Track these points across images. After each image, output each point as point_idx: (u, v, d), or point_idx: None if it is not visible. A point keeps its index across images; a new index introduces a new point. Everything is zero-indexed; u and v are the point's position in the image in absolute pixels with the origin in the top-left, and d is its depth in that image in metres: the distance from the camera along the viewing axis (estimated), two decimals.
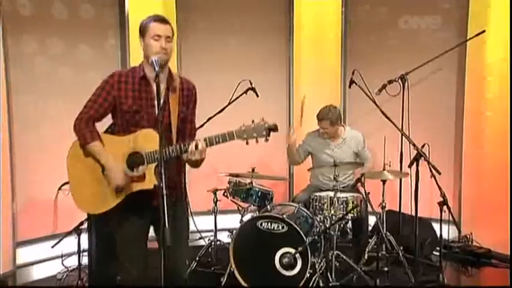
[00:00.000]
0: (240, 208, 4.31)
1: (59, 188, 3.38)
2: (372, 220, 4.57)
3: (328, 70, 5.67)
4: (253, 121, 2.46)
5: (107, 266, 3.53)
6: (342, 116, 4.75)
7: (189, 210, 4.22)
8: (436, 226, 4.28)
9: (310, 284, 3.61)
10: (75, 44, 4.80)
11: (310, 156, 4.72)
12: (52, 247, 3.76)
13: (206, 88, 5.29)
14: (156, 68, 2.39)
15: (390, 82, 4.40)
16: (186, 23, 5.44)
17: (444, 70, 5.08)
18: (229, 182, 4.27)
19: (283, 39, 5.72)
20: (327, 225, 3.84)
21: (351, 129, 4.73)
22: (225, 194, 4.25)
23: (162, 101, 2.56)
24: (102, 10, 5.00)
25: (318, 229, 3.87)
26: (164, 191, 2.16)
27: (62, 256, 4.10)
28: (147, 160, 2.50)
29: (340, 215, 3.88)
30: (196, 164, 2.59)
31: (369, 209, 4.07)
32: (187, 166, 2.79)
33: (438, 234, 4.21)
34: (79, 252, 3.73)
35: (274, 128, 2.45)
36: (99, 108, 2.57)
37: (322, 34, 5.69)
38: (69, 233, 3.70)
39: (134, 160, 2.53)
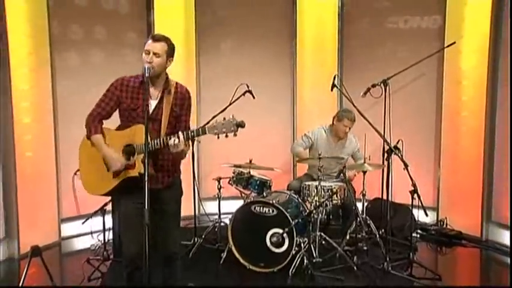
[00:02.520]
0: (242, 195, 4.27)
1: (75, 173, 3.43)
2: (360, 206, 4.45)
3: (326, 76, 5.52)
4: (224, 118, 2.40)
5: None
6: None
7: (198, 195, 4.29)
8: (415, 212, 4.11)
9: (296, 259, 3.57)
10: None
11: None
12: (82, 223, 3.85)
13: (220, 90, 5.32)
14: (146, 74, 2.44)
15: (374, 86, 4.22)
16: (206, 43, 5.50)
17: (426, 75, 4.94)
18: (233, 172, 4.24)
19: (288, 50, 5.65)
20: (312, 210, 3.79)
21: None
22: (230, 182, 4.21)
23: (157, 101, 2.61)
24: None
25: (304, 213, 3.82)
26: (146, 178, 2.16)
27: (91, 232, 4.19)
28: (137, 151, 2.52)
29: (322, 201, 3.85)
30: (180, 155, 2.60)
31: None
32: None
33: (416, 219, 4.10)
34: (104, 229, 3.81)
35: (241, 124, 2.38)
36: (106, 107, 2.64)
37: (321, 45, 5.60)
38: (95, 213, 3.79)
39: (128, 151, 2.56)
